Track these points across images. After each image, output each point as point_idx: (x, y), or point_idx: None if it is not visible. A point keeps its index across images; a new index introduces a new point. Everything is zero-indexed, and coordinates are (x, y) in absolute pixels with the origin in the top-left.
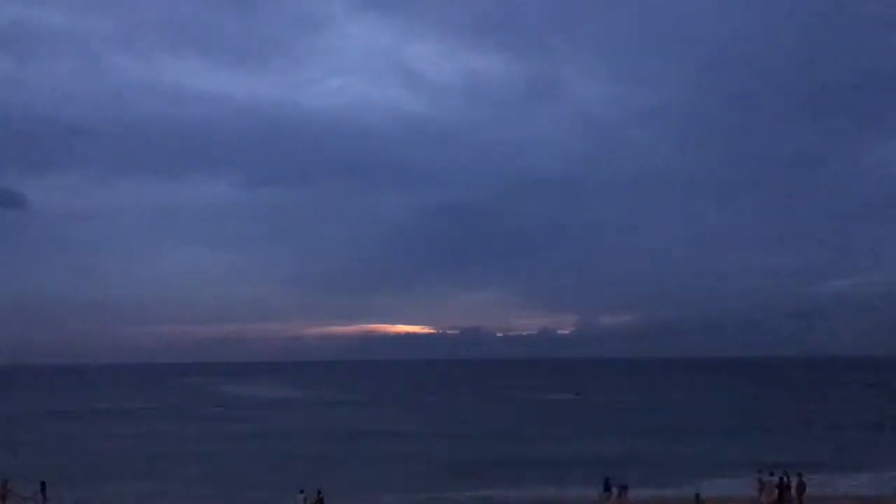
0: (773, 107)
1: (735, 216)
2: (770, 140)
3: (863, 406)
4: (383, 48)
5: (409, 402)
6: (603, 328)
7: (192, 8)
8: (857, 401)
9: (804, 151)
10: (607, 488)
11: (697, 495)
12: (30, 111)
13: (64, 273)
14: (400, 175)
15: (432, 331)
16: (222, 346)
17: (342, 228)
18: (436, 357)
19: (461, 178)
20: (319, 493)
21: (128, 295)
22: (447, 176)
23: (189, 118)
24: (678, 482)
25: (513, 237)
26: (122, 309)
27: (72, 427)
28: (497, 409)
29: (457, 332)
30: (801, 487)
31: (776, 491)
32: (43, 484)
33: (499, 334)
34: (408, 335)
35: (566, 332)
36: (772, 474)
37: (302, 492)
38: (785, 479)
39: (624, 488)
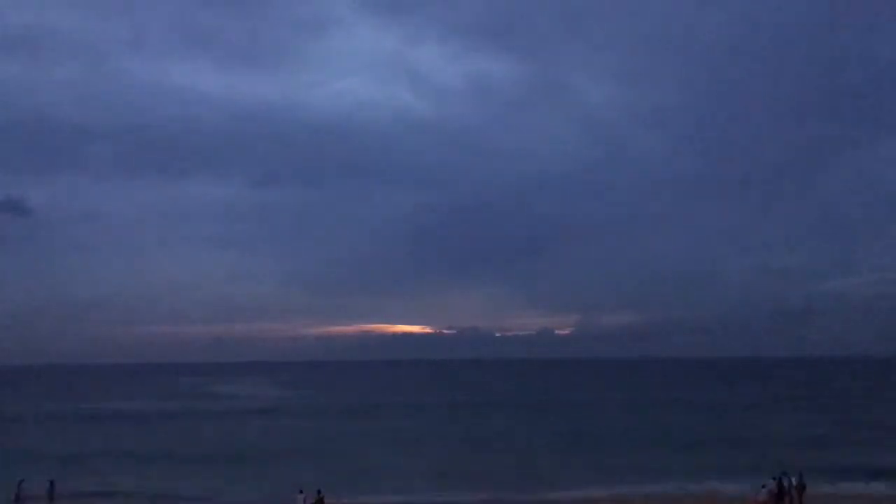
0: (774, 108)
1: (736, 216)
2: (771, 141)
3: (837, 407)
4: (389, 50)
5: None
6: (603, 328)
7: (200, 11)
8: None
9: (806, 152)
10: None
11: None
12: (39, 113)
13: (69, 273)
14: (402, 176)
15: (432, 331)
16: (223, 345)
17: (343, 229)
18: (436, 357)
19: (463, 178)
20: (319, 492)
21: (128, 295)
22: (449, 177)
23: (196, 120)
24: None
25: (513, 237)
26: (123, 309)
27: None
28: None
29: (456, 332)
30: (802, 488)
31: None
32: (52, 483)
33: (498, 334)
34: (408, 335)
35: (566, 332)
36: (782, 475)
37: (301, 491)
38: (786, 480)
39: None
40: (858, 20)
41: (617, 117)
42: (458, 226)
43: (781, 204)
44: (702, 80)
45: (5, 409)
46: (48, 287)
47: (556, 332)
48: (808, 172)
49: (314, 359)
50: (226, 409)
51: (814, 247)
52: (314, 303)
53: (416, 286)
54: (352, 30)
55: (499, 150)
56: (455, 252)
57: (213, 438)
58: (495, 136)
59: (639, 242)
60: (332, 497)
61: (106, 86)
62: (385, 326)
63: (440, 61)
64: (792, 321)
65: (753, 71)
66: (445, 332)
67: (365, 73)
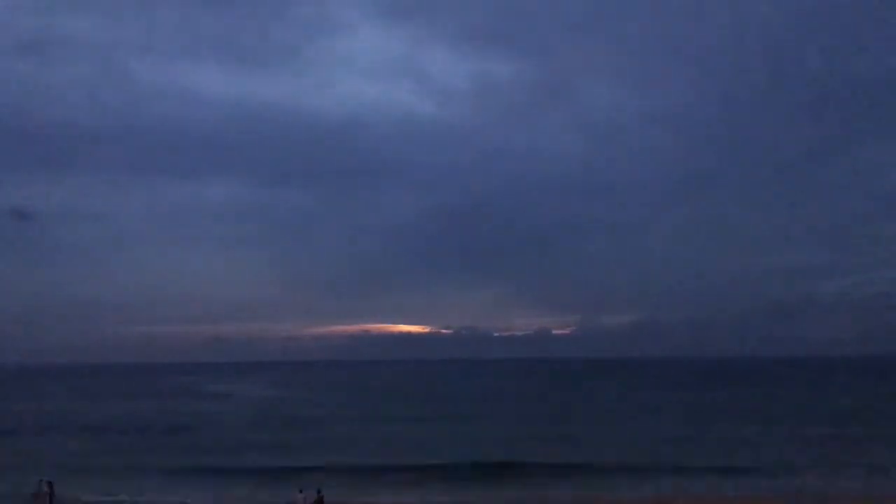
0: (776, 109)
1: (737, 216)
2: (773, 142)
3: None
4: (395, 53)
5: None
6: (603, 329)
7: (207, 14)
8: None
9: (807, 152)
10: None
11: None
12: (48, 115)
13: (72, 273)
14: (404, 176)
15: (432, 331)
16: (223, 345)
17: (345, 229)
18: (436, 357)
19: (465, 179)
20: (319, 492)
21: (129, 295)
22: (451, 177)
23: (202, 121)
24: None
25: (514, 238)
26: (124, 309)
27: None
28: None
29: (457, 332)
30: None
31: None
32: (50, 484)
33: (498, 334)
34: (408, 335)
35: (566, 332)
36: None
37: (301, 491)
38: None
39: None
40: (865, 20)
41: (619, 118)
42: (458, 226)
43: (783, 204)
44: (704, 81)
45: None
46: (50, 287)
47: (556, 331)
48: (808, 173)
49: (314, 359)
50: (219, 408)
51: (814, 247)
52: (314, 303)
53: (416, 286)
54: (358, 32)
55: (501, 151)
56: (456, 252)
57: (208, 438)
58: (498, 137)
59: (639, 242)
60: (332, 496)
61: (114, 88)
62: (385, 326)
63: (446, 63)
64: (792, 321)
65: (756, 72)
66: (445, 332)
67: (371, 75)
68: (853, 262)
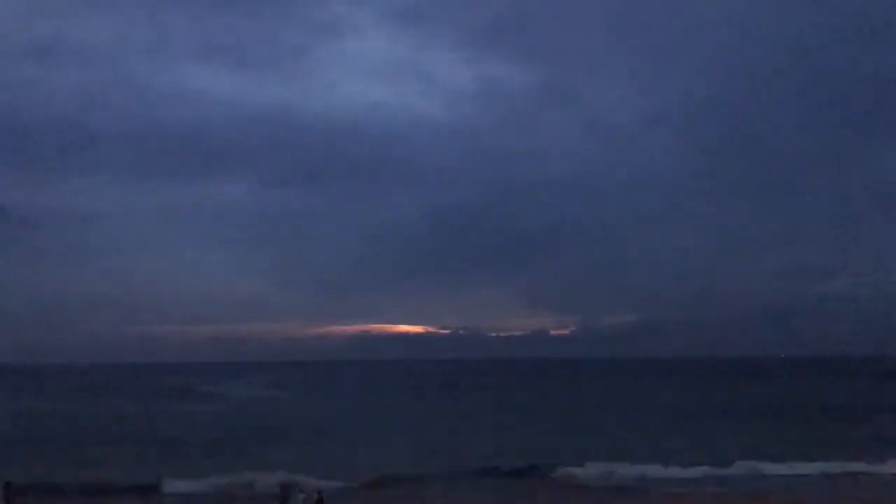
0: (780, 109)
1: (738, 217)
2: (775, 142)
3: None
4: (401, 55)
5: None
6: (604, 329)
7: (214, 16)
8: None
9: (809, 152)
10: None
11: None
12: (54, 117)
13: (75, 273)
14: (406, 177)
15: (433, 331)
16: (222, 345)
17: (345, 229)
18: (436, 357)
19: (467, 180)
20: (319, 492)
21: (131, 295)
22: (453, 178)
23: (208, 123)
24: None
25: (515, 238)
26: (125, 309)
27: None
28: None
29: (458, 332)
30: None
31: None
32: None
33: (500, 334)
34: (408, 335)
35: (567, 332)
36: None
37: (301, 491)
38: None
39: None
40: (868, 22)
41: (621, 119)
42: (459, 226)
43: (784, 204)
44: (708, 82)
45: None
46: (51, 287)
47: (557, 332)
48: (810, 173)
49: (314, 359)
50: (216, 409)
51: (817, 247)
52: (314, 303)
53: (416, 286)
54: (364, 34)
55: (504, 153)
56: (457, 252)
57: (202, 439)
58: (502, 138)
59: (639, 243)
60: (332, 497)
61: (120, 90)
62: (385, 326)
63: (451, 66)
64: (792, 321)
65: (759, 73)
66: (445, 332)
67: (377, 77)
68: (856, 262)
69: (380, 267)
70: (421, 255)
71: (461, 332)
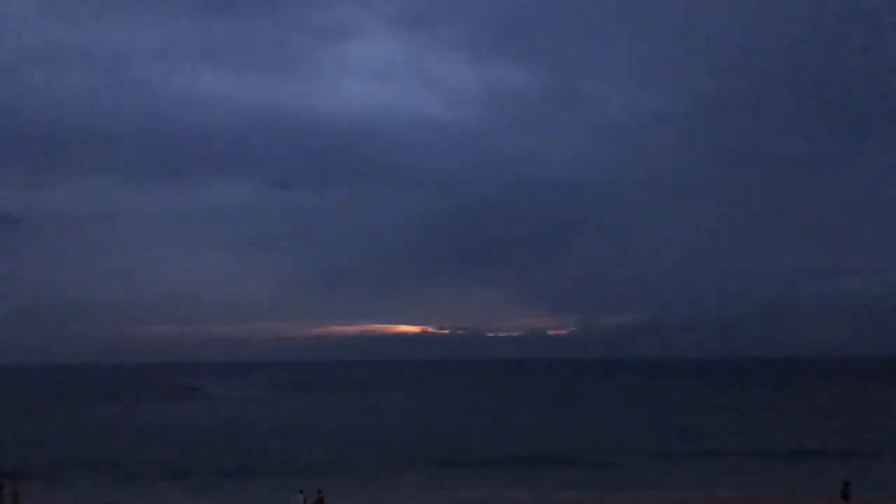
0: (783, 110)
1: (738, 217)
2: (778, 144)
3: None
4: (407, 58)
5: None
6: (603, 329)
7: (221, 19)
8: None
9: (811, 153)
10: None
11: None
12: (62, 120)
13: (80, 273)
14: (408, 179)
15: (433, 331)
16: (222, 345)
17: (346, 230)
18: (436, 357)
19: (468, 181)
20: (319, 492)
21: (133, 295)
22: (454, 180)
23: (214, 125)
24: None
25: (515, 239)
26: (127, 309)
27: None
28: None
29: (458, 332)
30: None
31: None
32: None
33: (498, 334)
34: (408, 335)
35: (565, 332)
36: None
37: (301, 492)
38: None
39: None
40: (870, 23)
41: (623, 120)
42: (460, 227)
43: (785, 205)
44: (711, 83)
45: None
46: (52, 287)
47: (557, 332)
48: (810, 174)
49: (315, 359)
50: (215, 409)
51: (817, 248)
52: (315, 303)
53: (416, 286)
54: (370, 37)
55: (506, 154)
56: (457, 253)
57: (203, 442)
58: (504, 140)
59: (640, 243)
60: (332, 497)
61: (128, 93)
62: (385, 327)
63: (456, 68)
64: (792, 321)
65: (764, 74)
66: (446, 332)
67: (383, 80)
68: (856, 263)
69: (380, 267)
70: (421, 255)
71: (460, 332)
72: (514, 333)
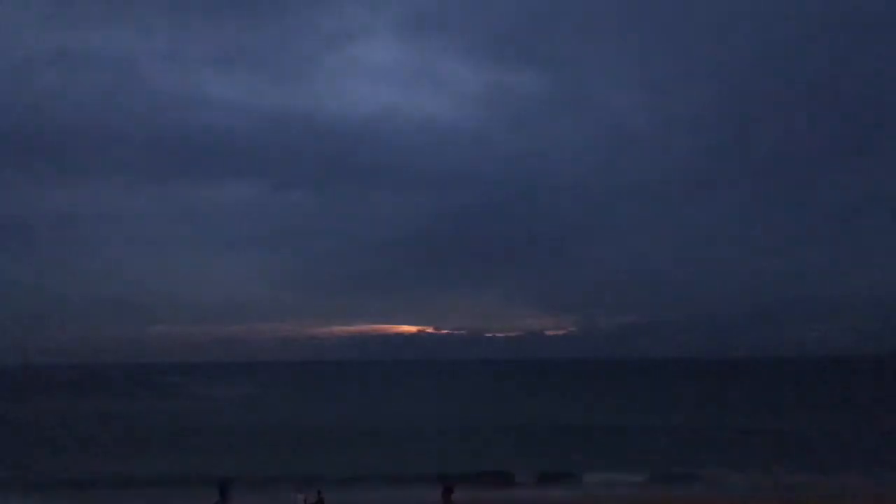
0: (784, 111)
1: (738, 217)
2: (780, 144)
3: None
4: (413, 61)
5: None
6: (603, 329)
7: (229, 23)
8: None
9: (813, 154)
10: None
11: None
12: (69, 121)
13: (85, 274)
14: (410, 180)
15: (433, 331)
16: (224, 346)
17: (347, 230)
18: (435, 358)
19: (470, 182)
20: (319, 493)
21: (134, 296)
22: (456, 181)
23: (220, 127)
24: None
25: (516, 239)
26: (128, 310)
27: None
28: None
29: (457, 332)
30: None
31: None
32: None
33: (497, 335)
34: (408, 335)
35: (566, 332)
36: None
37: (301, 492)
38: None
39: None
40: (879, 27)
41: (624, 121)
42: (461, 228)
43: (783, 206)
44: (713, 84)
45: None
46: (55, 287)
47: (557, 332)
48: (811, 174)
49: (315, 359)
50: (213, 410)
51: (817, 248)
52: (315, 303)
53: (415, 287)
54: (378, 41)
55: (508, 156)
56: (458, 253)
57: (202, 444)
58: (506, 142)
59: (640, 244)
60: (332, 497)
61: (136, 96)
62: (385, 327)
63: (461, 70)
64: (792, 321)
65: (769, 75)
66: (444, 332)
67: (388, 82)
68: (857, 263)
69: (380, 268)
70: (421, 256)
71: (459, 332)
72: (513, 334)
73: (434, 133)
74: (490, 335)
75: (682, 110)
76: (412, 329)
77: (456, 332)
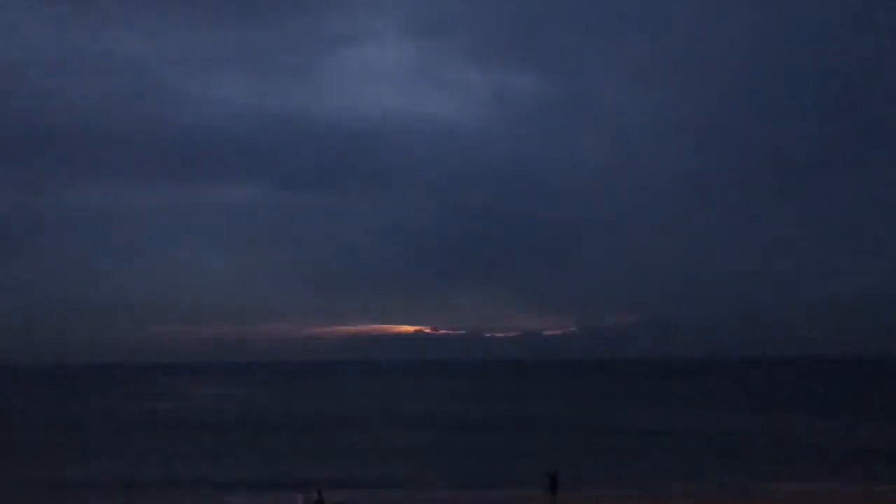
0: (786, 111)
1: (738, 218)
2: (780, 143)
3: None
4: (417, 63)
5: None
6: (602, 330)
7: (234, 25)
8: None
9: (814, 154)
10: None
11: None
12: (76, 123)
13: (81, 274)
14: (412, 181)
15: (434, 331)
16: (224, 346)
17: (348, 231)
18: (437, 358)
19: (471, 183)
20: (319, 493)
21: (136, 296)
22: (457, 182)
23: (227, 128)
24: None
25: (517, 240)
26: (129, 310)
27: None
28: None
29: (457, 332)
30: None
31: None
32: None
33: (496, 335)
34: (407, 336)
35: (566, 332)
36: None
37: (301, 492)
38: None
39: None
40: (876, 28)
41: (625, 123)
42: (461, 228)
43: (783, 207)
44: (714, 85)
45: None
46: (55, 288)
47: (555, 332)
48: (811, 175)
49: (315, 359)
50: (213, 410)
51: (816, 248)
52: (315, 303)
53: (416, 287)
54: (380, 42)
55: (511, 156)
56: (458, 254)
57: (202, 444)
58: (511, 142)
59: (640, 244)
60: (332, 497)
61: (143, 97)
62: (384, 327)
63: (466, 72)
64: (791, 321)
65: (771, 76)
66: (444, 332)
67: (392, 84)
68: (856, 263)
69: (380, 268)
70: (422, 256)
71: (459, 332)
72: (512, 334)
73: (435, 134)
74: (490, 335)
75: (683, 111)
76: (411, 329)
77: (455, 332)
